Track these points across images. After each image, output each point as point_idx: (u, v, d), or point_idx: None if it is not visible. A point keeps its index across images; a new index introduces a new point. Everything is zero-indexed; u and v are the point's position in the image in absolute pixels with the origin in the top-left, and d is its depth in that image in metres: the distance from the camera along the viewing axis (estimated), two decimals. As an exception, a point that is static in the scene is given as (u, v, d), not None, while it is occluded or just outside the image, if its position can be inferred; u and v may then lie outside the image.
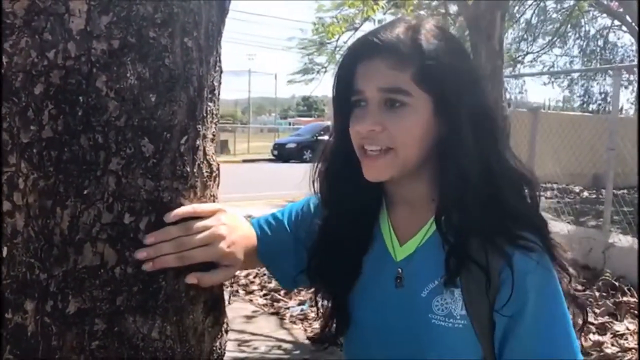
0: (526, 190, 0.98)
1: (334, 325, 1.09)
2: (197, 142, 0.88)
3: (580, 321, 0.99)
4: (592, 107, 21.80)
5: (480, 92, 0.98)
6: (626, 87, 15.32)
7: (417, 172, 0.98)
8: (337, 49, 9.35)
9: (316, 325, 4.63)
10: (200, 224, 0.88)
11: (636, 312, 4.40)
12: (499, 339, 0.92)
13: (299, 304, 4.98)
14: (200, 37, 0.88)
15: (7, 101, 0.78)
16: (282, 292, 5.24)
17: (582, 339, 1.05)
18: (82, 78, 0.80)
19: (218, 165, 0.93)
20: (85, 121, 0.80)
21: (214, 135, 0.94)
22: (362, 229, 1.06)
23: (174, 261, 0.85)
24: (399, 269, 1.00)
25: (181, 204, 0.86)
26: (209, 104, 0.92)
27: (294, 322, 4.77)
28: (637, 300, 4.51)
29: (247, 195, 11.39)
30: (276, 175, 15.25)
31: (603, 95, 21.28)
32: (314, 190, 1.09)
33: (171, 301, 0.85)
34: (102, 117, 0.80)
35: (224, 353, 0.94)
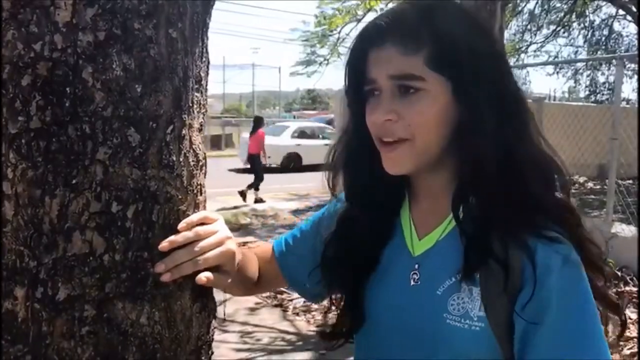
0: (554, 177, 0.90)
1: (347, 320, 1.03)
2: (183, 132, 0.89)
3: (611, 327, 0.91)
4: (598, 97, 21.69)
5: (503, 72, 0.90)
6: (630, 77, 15.23)
7: (439, 162, 0.92)
8: (340, 40, 9.33)
9: (319, 317, 4.66)
10: (208, 228, 0.92)
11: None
12: (518, 345, 0.83)
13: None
14: (185, 28, 0.89)
15: (-5, 93, 0.79)
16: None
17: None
18: (69, 69, 0.81)
19: (205, 155, 0.95)
20: (73, 112, 0.81)
21: (201, 126, 0.95)
22: (382, 221, 1.01)
23: (191, 267, 0.88)
24: (416, 264, 0.94)
25: (168, 193, 0.87)
26: (196, 94, 0.93)
27: (297, 314, 4.80)
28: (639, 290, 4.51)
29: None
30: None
31: (608, 85, 21.17)
32: (329, 185, 1.04)
33: (159, 288, 0.86)
34: (89, 108, 0.82)
35: (212, 338, 0.96)
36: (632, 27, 17.53)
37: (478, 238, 0.86)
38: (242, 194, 9.97)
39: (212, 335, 0.96)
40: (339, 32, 9.18)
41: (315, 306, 4.80)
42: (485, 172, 0.86)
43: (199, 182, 0.93)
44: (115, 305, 0.84)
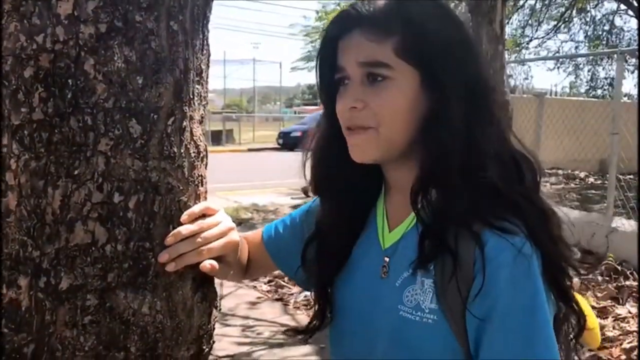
0: (523, 170, 0.88)
1: (319, 315, 1.04)
2: (184, 124, 0.90)
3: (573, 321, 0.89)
4: (599, 92, 21.67)
5: (473, 64, 0.90)
6: (631, 72, 15.22)
7: (408, 154, 0.91)
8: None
9: (320, 311, 4.69)
10: (211, 220, 0.93)
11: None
12: (472, 344, 0.81)
13: (303, 290, 5.01)
14: (185, 21, 0.90)
15: (-3, 84, 0.80)
16: (286, 279, 5.28)
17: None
18: (71, 61, 0.82)
19: (206, 146, 0.96)
20: (74, 103, 0.82)
21: (202, 118, 0.96)
22: (357, 215, 1.01)
23: (195, 257, 0.89)
24: (386, 258, 0.94)
25: (169, 184, 0.88)
26: (197, 86, 0.94)
27: (298, 308, 4.81)
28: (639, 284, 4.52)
29: (253, 184, 11.44)
30: (282, 164, 15.28)
31: (609, 81, 21.14)
32: (305, 179, 1.02)
33: (160, 277, 0.88)
34: (90, 100, 0.83)
35: (214, 328, 0.97)
36: (634, 22, 17.50)
37: (433, 229, 0.85)
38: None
39: (213, 325, 0.97)
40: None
41: (315, 300, 4.82)
42: (447, 164, 0.85)
43: (200, 174, 0.94)
44: (117, 295, 0.85)
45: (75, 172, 0.83)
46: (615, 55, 7.15)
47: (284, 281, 5.29)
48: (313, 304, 1.06)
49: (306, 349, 4.01)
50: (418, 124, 0.88)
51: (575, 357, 0.92)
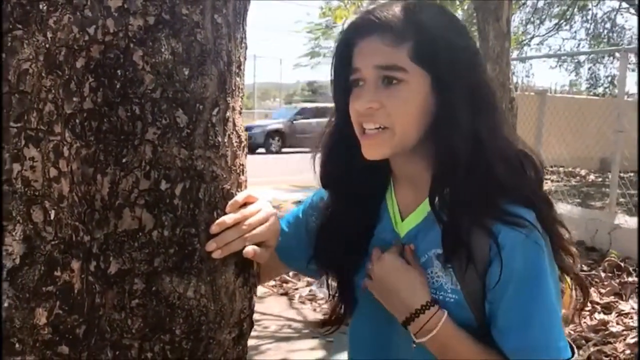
0: (525, 167, 0.98)
1: (342, 307, 1.12)
2: (227, 114, 0.93)
3: (580, 299, 1.01)
4: (599, 90, 21.69)
5: (477, 68, 0.98)
6: (633, 70, 15.25)
7: (415, 150, 0.99)
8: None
9: (325, 305, 4.71)
10: (253, 207, 0.96)
11: (641, 291, 4.45)
12: (488, 314, 0.95)
13: (307, 285, 5.04)
14: (228, 14, 0.93)
15: (52, 74, 0.83)
16: (291, 274, 5.31)
17: (588, 318, 1.12)
18: (120, 52, 0.85)
19: (246, 136, 0.99)
20: (123, 93, 0.85)
21: (240, 109, 0.99)
22: (369, 208, 1.08)
23: (240, 244, 0.92)
24: (402, 245, 1.02)
25: (213, 172, 0.91)
26: (237, 78, 0.96)
27: (303, 302, 4.83)
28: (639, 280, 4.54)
29: (254, 180, 11.44)
30: (281, 159, 15.31)
31: (610, 79, 21.17)
32: (317, 174, 1.09)
33: (205, 262, 0.90)
34: (138, 90, 0.86)
35: (253, 312, 1.00)
36: (635, 20, 17.52)
37: (451, 227, 0.95)
38: None
39: (253, 310, 1.00)
40: (343, 25, 9.20)
41: (320, 295, 4.84)
42: (456, 161, 0.93)
43: (241, 162, 0.97)
44: (164, 279, 0.88)
45: (124, 160, 0.86)
46: (617, 54, 7.18)
47: (288, 276, 5.32)
48: (334, 295, 1.13)
49: (313, 342, 4.05)
50: (427, 123, 0.96)
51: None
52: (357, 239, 1.07)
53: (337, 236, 1.07)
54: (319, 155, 1.09)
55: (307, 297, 4.90)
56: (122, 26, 0.84)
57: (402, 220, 1.04)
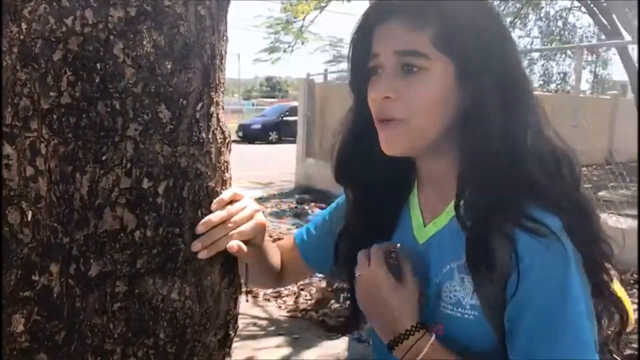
0: (561, 167, 0.86)
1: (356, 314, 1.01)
2: (212, 109, 0.90)
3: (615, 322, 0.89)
4: (552, 86, 22.25)
5: (509, 55, 0.88)
6: (584, 68, 15.69)
7: (442, 148, 0.90)
8: (304, 27, 9.31)
9: (290, 302, 4.69)
10: (238, 205, 0.93)
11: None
12: (506, 333, 0.84)
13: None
14: (212, 6, 0.90)
15: (27, 67, 0.78)
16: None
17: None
18: (100, 45, 0.81)
19: (230, 132, 0.96)
20: (103, 88, 0.81)
21: (222, 104, 0.96)
22: (389, 210, 1.00)
23: (226, 242, 0.90)
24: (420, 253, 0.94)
25: (197, 169, 0.88)
26: (220, 72, 0.94)
27: (268, 300, 4.81)
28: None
29: (214, 176, 11.31)
30: (242, 156, 15.21)
31: (562, 75, 21.75)
32: (333, 170, 1.01)
33: (190, 263, 0.87)
34: (119, 84, 0.82)
35: (238, 313, 0.97)
36: (586, 19, 18.02)
37: (475, 233, 0.85)
38: None
39: (238, 311, 0.97)
40: (303, 19, 9.18)
41: (286, 292, 4.83)
42: (488, 161, 0.84)
43: (225, 159, 0.94)
44: (147, 281, 0.85)
45: (104, 158, 0.82)
46: (569, 51, 7.35)
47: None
48: (349, 299, 1.05)
49: (279, 340, 4.03)
50: (452, 116, 0.88)
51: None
52: (377, 241, 0.97)
53: (355, 239, 1.00)
54: (337, 151, 1.00)
55: (272, 295, 4.87)
56: (101, 17, 0.80)
57: (425, 226, 0.96)
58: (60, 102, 0.80)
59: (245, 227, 0.93)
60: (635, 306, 3.96)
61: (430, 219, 0.95)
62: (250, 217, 0.95)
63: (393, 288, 0.90)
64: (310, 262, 1.14)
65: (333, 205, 1.15)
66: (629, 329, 0.90)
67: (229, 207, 0.92)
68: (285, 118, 21.77)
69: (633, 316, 0.91)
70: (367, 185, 0.99)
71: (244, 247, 0.92)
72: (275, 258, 1.14)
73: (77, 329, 0.81)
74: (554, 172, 0.85)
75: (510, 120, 0.85)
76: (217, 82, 0.92)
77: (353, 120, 0.98)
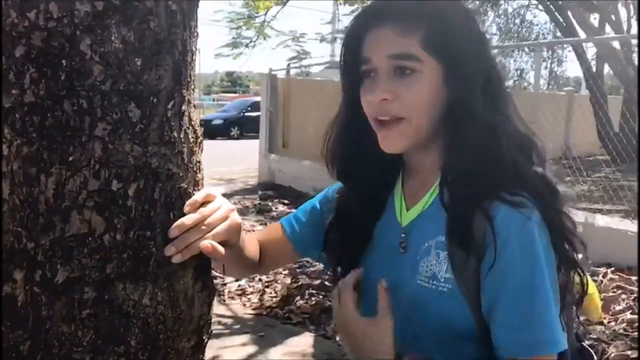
0: (533, 151, 0.95)
1: None
2: (183, 108, 0.87)
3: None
4: (509, 82, 22.67)
5: (488, 54, 0.96)
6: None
7: (429, 141, 0.97)
8: (266, 22, 9.24)
9: (255, 300, 4.66)
10: (212, 206, 0.91)
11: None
12: (487, 304, 0.90)
13: (236, 280, 4.97)
14: (183, 1, 0.87)
15: (-13, 63, 0.74)
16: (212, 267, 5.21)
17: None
18: (65, 41, 0.77)
19: (202, 131, 0.93)
20: (69, 85, 0.78)
21: (194, 102, 0.93)
22: (376, 199, 1.07)
23: (200, 247, 0.87)
24: (403, 234, 1.01)
25: (169, 170, 0.85)
26: (191, 69, 0.91)
27: (232, 298, 4.76)
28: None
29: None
30: (204, 152, 15.05)
31: (519, 72, 22.19)
32: (328, 166, 1.08)
33: (162, 267, 0.84)
34: (86, 82, 0.79)
35: (212, 317, 0.95)
36: (542, 16, 18.42)
37: (456, 212, 0.92)
38: None
39: (212, 315, 0.95)
40: (265, 14, 9.11)
41: (250, 289, 4.80)
42: (472, 150, 0.92)
43: (197, 159, 0.91)
44: (117, 287, 0.82)
45: (70, 159, 0.79)
46: (525, 48, 7.50)
47: (215, 272, 5.23)
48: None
49: (244, 338, 3.99)
50: (440, 113, 0.95)
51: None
52: (363, 229, 1.06)
53: (344, 226, 1.08)
54: (330, 148, 1.07)
55: (236, 293, 4.83)
56: (67, 11, 0.77)
57: (408, 210, 1.03)
58: (24, 100, 0.76)
59: (219, 229, 0.91)
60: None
61: (412, 204, 1.02)
62: (225, 218, 0.92)
63: (367, 325, 0.95)
64: (300, 250, 1.17)
65: (322, 195, 1.19)
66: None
67: (202, 208, 0.89)
68: (247, 113, 21.61)
69: (592, 285, 1.01)
70: (361, 179, 1.06)
71: (221, 249, 0.89)
72: (252, 251, 1.14)
73: (43, 339, 0.78)
74: (527, 155, 0.95)
75: (491, 112, 0.93)
76: (189, 80, 0.89)
77: (346, 122, 1.04)
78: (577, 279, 0.97)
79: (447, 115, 0.94)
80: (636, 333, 3.69)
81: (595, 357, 1.05)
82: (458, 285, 0.91)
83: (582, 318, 1.05)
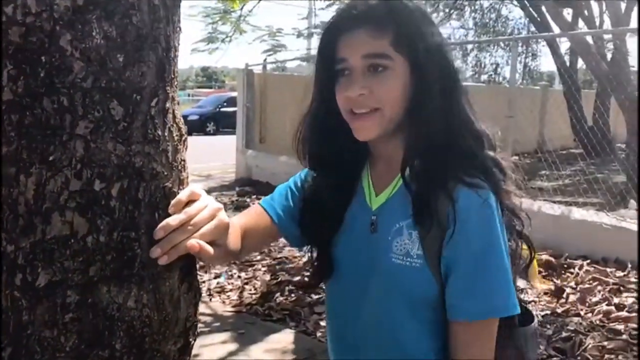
0: (483, 137, 1.07)
1: (319, 271, 1.20)
2: (167, 105, 0.85)
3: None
4: (484, 77, 22.86)
5: (446, 52, 1.08)
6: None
7: (395, 130, 1.07)
8: (242, 17, 9.16)
9: (234, 297, 4.63)
10: (198, 205, 0.89)
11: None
12: (444, 274, 1.01)
13: (216, 277, 4.94)
14: (166, -5, 0.84)
15: (-37, 60, 0.71)
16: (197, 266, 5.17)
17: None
18: (45, 36, 0.75)
19: (186, 129, 0.91)
20: (49, 83, 0.75)
21: (178, 99, 0.91)
22: (345, 185, 1.17)
23: (187, 246, 0.85)
24: (373, 217, 1.11)
25: (153, 169, 0.83)
26: (174, 66, 0.88)
27: (212, 295, 4.73)
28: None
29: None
30: (180, 148, 14.90)
31: (494, 67, 22.38)
32: (300, 156, 1.18)
33: (147, 269, 0.82)
34: (66, 79, 0.76)
35: (198, 319, 0.93)
36: (517, 12, 18.59)
37: (420, 194, 1.03)
38: None
39: (198, 317, 0.93)
40: (241, 9, 9.03)
41: (229, 286, 4.77)
42: (430, 136, 1.04)
43: (182, 158, 0.89)
44: (101, 290, 0.79)
45: (51, 158, 0.76)
46: (501, 43, 7.55)
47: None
48: (312, 263, 1.22)
49: (224, 336, 3.97)
50: (406, 105, 1.06)
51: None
52: (335, 213, 1.16)
53: (317, 210, 1.17)
54: (302, 139, 1.17)
55: (215, 290, 4.80)
56: (46, 6, 0.74)
57: (376, 195, 1.13)
58: (1, 98, 0.73)
59: (206, 229, 0.89)
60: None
61: (381, 190, 1.13)
62: (212, 217, 0.90)
63: None
64: (284, 230, 1.22)
65: (295, 179, 1.27)
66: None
67: (187, 208, 0.87)
68: (223, 109, 21.47)
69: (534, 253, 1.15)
70: (332, 167, 1.17)
71: (209, 248, 0.87)
72: (235, 241, 1.12)
73: (24, 344, 0.76)
74: (480, 141, 1.06)
75: (448, 103, 1.05)
76: (172, 76, 0.87)
77: (317, 114, 1.15)
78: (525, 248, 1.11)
79: (411, 107, 1.05)
80: (612, 324, 3.75)
81: (535, 319, 1.14)
82: (426, 259, 1.01)
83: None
